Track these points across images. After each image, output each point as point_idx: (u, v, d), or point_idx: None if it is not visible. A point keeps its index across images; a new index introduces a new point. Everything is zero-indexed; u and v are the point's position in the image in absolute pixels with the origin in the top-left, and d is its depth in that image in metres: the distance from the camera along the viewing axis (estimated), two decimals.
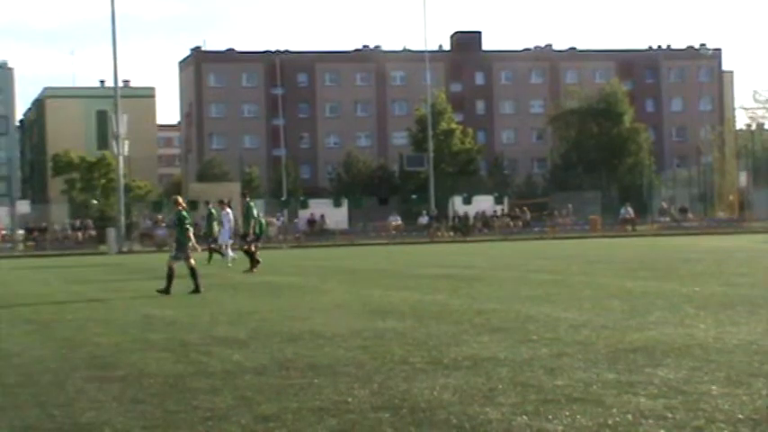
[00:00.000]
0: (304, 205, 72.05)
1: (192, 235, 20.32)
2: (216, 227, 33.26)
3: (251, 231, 28.38)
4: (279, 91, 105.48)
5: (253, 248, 28.07)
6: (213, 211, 34.20)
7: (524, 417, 7.13)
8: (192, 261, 20.00)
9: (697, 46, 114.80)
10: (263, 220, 31.53)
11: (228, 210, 32.82)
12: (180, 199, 21.45)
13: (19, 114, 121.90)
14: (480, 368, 9.26)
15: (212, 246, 33.27)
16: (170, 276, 19.57)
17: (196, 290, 19.61)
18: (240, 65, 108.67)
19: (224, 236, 32.71)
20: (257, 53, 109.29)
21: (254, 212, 29.06)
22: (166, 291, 19.39)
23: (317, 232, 66.82)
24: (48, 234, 64.88)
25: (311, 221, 68.47)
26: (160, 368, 9.88)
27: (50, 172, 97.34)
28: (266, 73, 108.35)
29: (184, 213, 20.29)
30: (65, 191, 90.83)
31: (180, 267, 19.86)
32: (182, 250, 19.98)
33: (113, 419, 7.48)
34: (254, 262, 27.68)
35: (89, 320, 15.07)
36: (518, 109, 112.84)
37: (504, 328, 12.27)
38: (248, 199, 30.87)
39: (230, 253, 32.23)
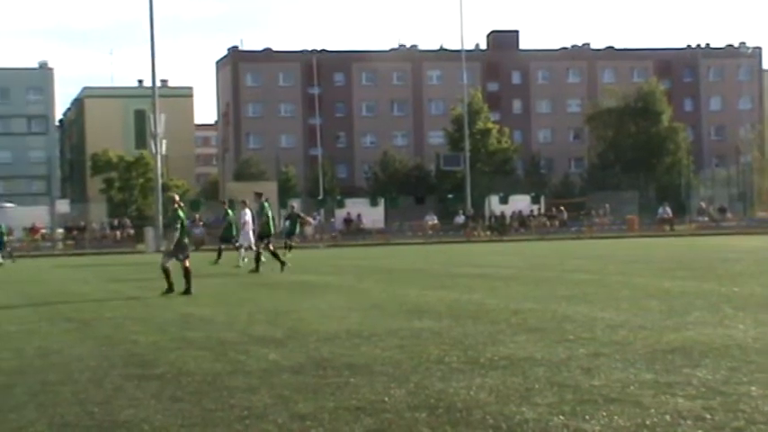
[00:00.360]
0: (340, 204, 72.21)
1: (182, 234, 19.82)
2: (234, 228, 33.61)
3: (270, 230, 28.72)
4: (315, 90, 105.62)
5: (272, 248, 28.34)
6: (231, 212, 34.68)
7: (561, 417, 7.11)
8: (170, 264, 19.62)
9: (736, 44, 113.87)
10: (294, 216, 32.20)
11: (247, 210, 32.93)
12: (176, 197, 21.06)
13: (58, 114, 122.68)
14: (517, 368, 9.24)
15: (236, 246, 33.46)
16: (187, 277, 19.57)
17: (168, 291, 19.44)
18: (277, 64, 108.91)
19: (243, 236, 32.77)
20: (294, 53, 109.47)
21: (268, 212, 29.25)
22: (187, 291, 19.38)
23: (354, 231, 66.95)
24: (86, 233, 65.48)
25: (348, 221, 68.61)
26: (198, 366, 9.92)
27: (89, 171, 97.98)
28: (303, 72, 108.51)
29: (180, 212, 20.03)
30: (103, 190, 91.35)
31: (196, 266, 19.80)
32: (183, 249, 19.78)
33: (151, 417, 7.53)
34: (279, 260, 27.76)
35: (127, 319, 15.17)
36: (555, 108, 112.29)
37: (540, 328, 12.23)
38: (263, 199, 31.22)
39: (243, 253, 32.37)
